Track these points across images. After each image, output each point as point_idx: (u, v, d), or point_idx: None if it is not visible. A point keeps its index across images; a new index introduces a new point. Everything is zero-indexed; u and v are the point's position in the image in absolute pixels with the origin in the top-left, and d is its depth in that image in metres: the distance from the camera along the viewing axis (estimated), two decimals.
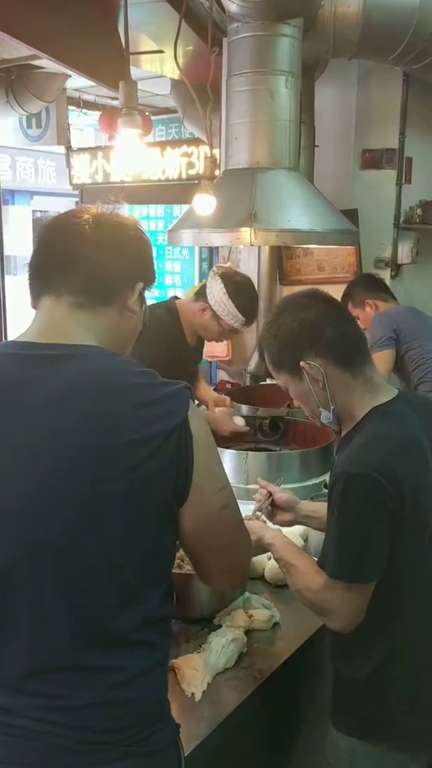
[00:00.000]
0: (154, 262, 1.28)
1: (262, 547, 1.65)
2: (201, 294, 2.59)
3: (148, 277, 1.23)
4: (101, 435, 1.02)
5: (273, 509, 1.84)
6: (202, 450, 1.07)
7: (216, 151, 2.92)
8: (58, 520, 1.02)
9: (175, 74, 4.08)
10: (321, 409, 1.51)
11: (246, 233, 2.46)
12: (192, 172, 4.75)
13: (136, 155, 1.77)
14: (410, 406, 1.48)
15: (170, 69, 4.05)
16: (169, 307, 2.71)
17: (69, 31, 2.70)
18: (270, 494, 1.84)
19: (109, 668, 1.07)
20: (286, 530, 2.13)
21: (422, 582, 1.41)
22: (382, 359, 3.11)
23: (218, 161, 2.85)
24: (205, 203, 2.41)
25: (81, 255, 1.15)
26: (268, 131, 2.61)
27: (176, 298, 2.86)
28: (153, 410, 1.04)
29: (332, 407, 1.48)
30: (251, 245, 2.53)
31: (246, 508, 2.18)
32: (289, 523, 1.85)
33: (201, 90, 3.06)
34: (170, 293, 6.30)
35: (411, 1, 2.69)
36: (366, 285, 3.29)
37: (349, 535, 1.35)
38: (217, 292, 2.48)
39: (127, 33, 1.85)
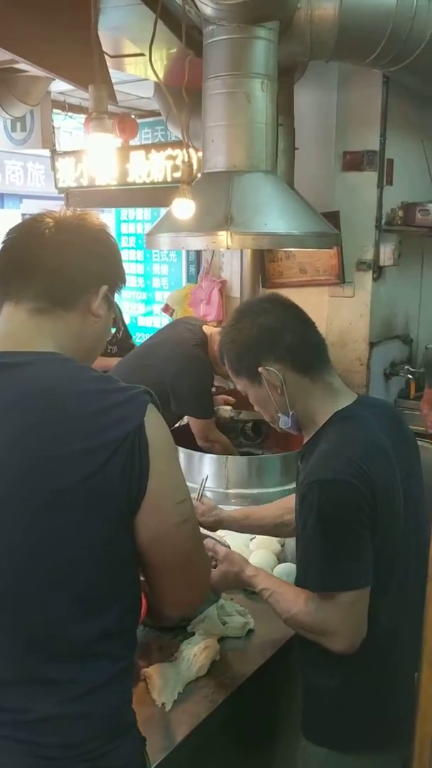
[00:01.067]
0: (121, 264, 1.24)
1: (242, 581, 1.63)
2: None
3: (113, 280, 1.20)
4: (51, 444, 1.00)
5: None
6: (160, 458, 1.04)
7: (200, 154, 2.92)
8: (9, 531, 1.00)
9: (161, 78, 4.08)
10: (280, 415, 1.50)
11: (222, 237, 2.45)
12: (177, 174, 4.72)
13: (107, 159, 1.75)
14: (370, 409, 1.49)
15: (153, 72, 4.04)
16: (202, 341, 2.89)
17: (45, 34, 2.69)
18: None
19: (64, 681, 1.04)
20: (260, 538, 2.14)
21: (390, 585, 1.40)
22: None
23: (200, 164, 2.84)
24: (184, 207, 2.39)
25: (40, 259, 1.13)
26: (244, 134, 2.59)
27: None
28: (107, 417, 1.01)
29: (291, 413, 1.48)
30: (228, 249, 2.51)
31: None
32: (211, 529, 1.85)
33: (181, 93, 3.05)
34: (158, 296, 6.30)
35: (387, 3, 2.68)
36: None
37: (334, 543, 1.33)
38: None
39: (96, 34, 1.83)
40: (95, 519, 1.01)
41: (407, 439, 1.54)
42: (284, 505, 1.83)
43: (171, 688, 1.54)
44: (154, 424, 1.05)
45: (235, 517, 1.89)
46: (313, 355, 1.49)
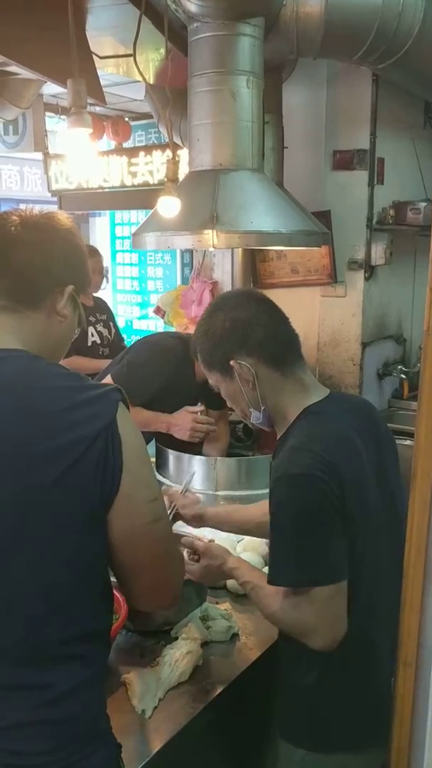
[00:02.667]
0: (86, 264, 1.23)
1: (224, 574, 1.62)
2: None
3: (79, 281, 1.19)
4: (22, 441, 0.98)
5: (176, 518, 1.84)
6: (132, 456, 1.03)
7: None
8: None
9: (149, 78, 4.06)
10: (251, 410, 1.49)
11: (208, 235, 2.42)
12: None
13: (87, 157, 1.72)
14: (341, 405, 1.49)
15: (144, 73, 4.02)
16: (184, 339, 2.63)
17: (23, 29, 2.65)
18: (173, 503, 1.83)
19: (36, 686, 1.02)
20: (247, 540, 2.11)
21: (362, 582, 1.37)
22: None
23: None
24: (169, 206, 2.37)
25: (4, 257, 1.11)
26: (230, 132, 2.56)
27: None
28: (78, 414, 1.00)
29: (263, 408, 1.47)
30: (214, 248, 2.48)
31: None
32: (192, 522, 1.86)
33: (175, 93, 3.03)
34: (152, 299, 6.28)
35: (374, 0, 2.66)
36: None
37: (304, 539, 1.31)
38: None
39: (74, 31, 1.81)
40: (69, 516, 0.99)
41: (381, 435, 1.51)
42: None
43: (151, 695, 1.51)
44: (126, 422, 1.03)
45: (217, 513, 1.88)
46: (284, 350, 1.48)
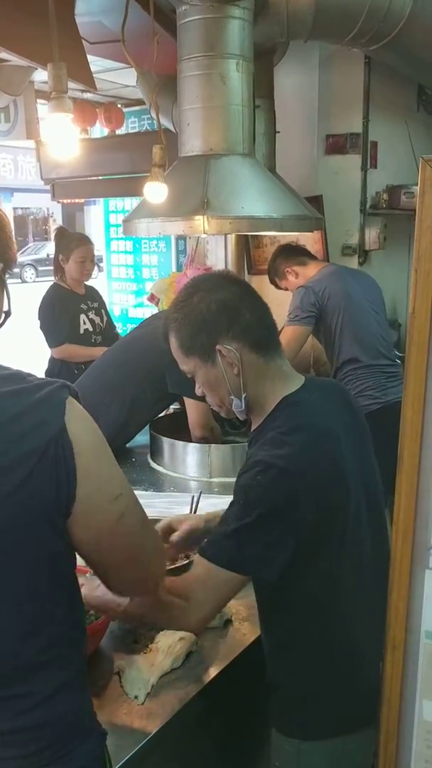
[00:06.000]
0: (12, 241, 1.09)
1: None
2: None
3: (3, 259, 1.06)
4: None
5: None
6: (87, 456, 0.96)
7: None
8: None
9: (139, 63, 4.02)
10: (232, 397, 1.43)
11: (199, 221, 2.41)
12: None
13: (68, 142, 1.70)
14: (317, 392, 1.44)
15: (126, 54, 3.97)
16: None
17: (13, 16, 2.62)
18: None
19: (15, 695, 0.99)
20: None
21: (343, 569, 1.37)
22: (293, 335, 3.03)
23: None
24: (155, 191, 2.35)
25: None
26: (220, 116, 2.55)
27: None
28: (24, 423, 0.93)
29: (244, 395, 1.42)
30: (205, 233, 2.47)
31: (209, 503, 2.16)
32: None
33: (166, 79, 3.01)
34: (148, 287, 6.25)
35: None
36: (285, 254, 3.24)
37: (246, 524, 1.26)
38: None
39: (53, 12, 1.79)
40: (27, 532, 0.94)
41: (356, 419, 1.49)
42: None
43: (144, 681, 1.51)
44: (76, 421, 0.96)
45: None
46: (268, 335, 1.43)
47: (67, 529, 0.98)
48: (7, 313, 1.06)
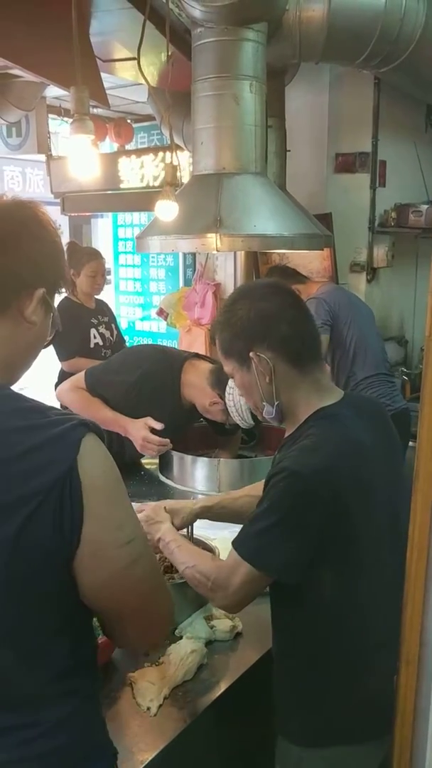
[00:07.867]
0: (62, 262, 1.07)
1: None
2: (217, 385, 2.47)
3: (52, 282, 1.04)
4: None
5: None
6: (98, 497, 0.92)
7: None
8: None
9: (152, 81, 4.09)
10: (264, 403, 1.47)
11: (212, 239, 2.45)
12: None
13: (90, 162, 1.74)
14: (355, 409, 1.47)
15: (148, 76, 4.04)
16: (175, 372, 2.59)
17: (29, 33, 2.68)
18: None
19: (22, 725, 0.97)
20: None
21: (360, 583, 1.39)
22: None
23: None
24: (166, 209, 2.39)
25: None
26: (233, 136, 2.59)
27: (196, 356, 2.72)
28: (33, 460, 0.89)
29: (276, 403, 1.45)
30: (217, 251, 2.51)
31: (206, 523, 2.16)
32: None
33: (178, 96, 3.06)
34: (155, 300, 6.29)
35: (376, 5, 2.69)
36: (280, 275, 3.28)
37: (275, 526, 1.31)
38: (240, 402, 2.38)
39: (83, 35, 1.83)
40: (28, 576, 0.91)
41: (391, 436, 1.51)
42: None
43: (157, 693, 1.53)
44: (91, 459, 0.92)
45: (221, 500, 1.86)
46: (306, 348, 1.45)
47: (72, 571, 0.94)
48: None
